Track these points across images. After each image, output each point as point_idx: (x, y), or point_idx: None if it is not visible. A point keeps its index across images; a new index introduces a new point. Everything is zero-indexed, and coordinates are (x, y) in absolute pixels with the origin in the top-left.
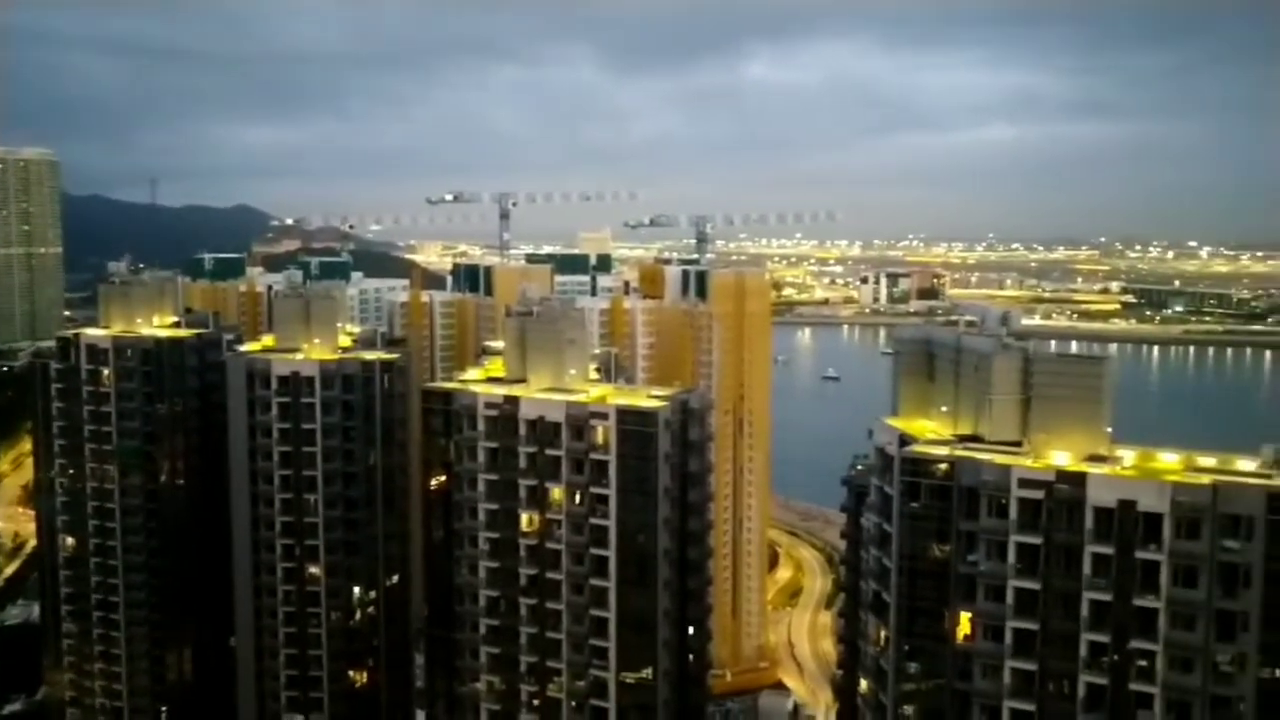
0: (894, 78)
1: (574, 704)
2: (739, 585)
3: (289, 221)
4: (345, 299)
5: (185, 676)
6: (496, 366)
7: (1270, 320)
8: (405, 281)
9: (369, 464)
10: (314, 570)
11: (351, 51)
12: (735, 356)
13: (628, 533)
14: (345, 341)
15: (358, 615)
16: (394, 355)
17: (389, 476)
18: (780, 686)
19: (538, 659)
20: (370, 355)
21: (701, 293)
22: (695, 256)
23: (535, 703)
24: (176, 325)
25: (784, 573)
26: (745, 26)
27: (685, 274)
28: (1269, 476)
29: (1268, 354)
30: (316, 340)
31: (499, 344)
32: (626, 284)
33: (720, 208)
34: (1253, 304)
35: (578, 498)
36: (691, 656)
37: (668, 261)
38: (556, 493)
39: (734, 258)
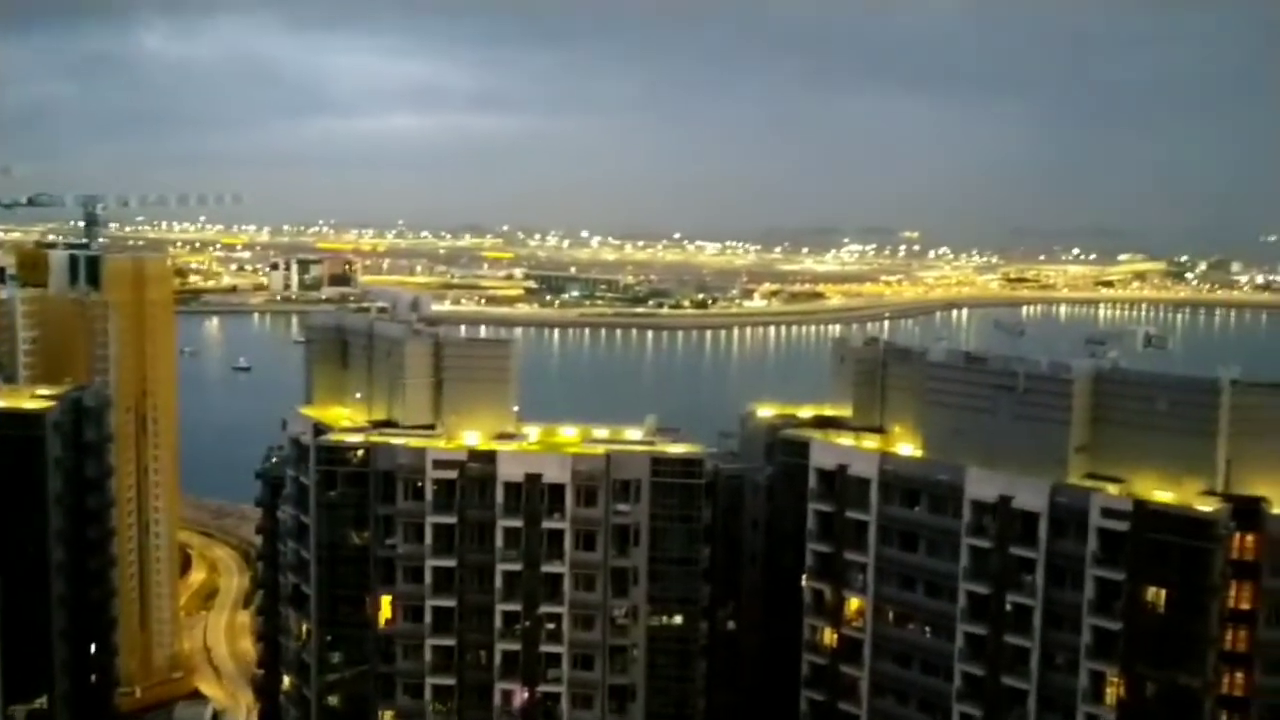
0: (300, 60)
1: None
2: (147, 593)
3: None
4: None
5: None
6: None
7: (650, 303)
8: None
9: None
10: None
11: None
12: (136, 349)
13: (11, 547)
14: None
15: None
16: None
17: None
18: (197, 695)
19: None
20: None
21: (94, 280)
22: (85, 241)
23: None
24: None
25: (197, 575)
26: None
27: (74, 259)
28: (651, 444)
29: (650, 334)
30: None
31: None
32: (2, 270)
33: (114, 187)
34: (636, 289)
35: None
36: (94, 676)
37: (52, 246)
38: None
39: (131, 242)
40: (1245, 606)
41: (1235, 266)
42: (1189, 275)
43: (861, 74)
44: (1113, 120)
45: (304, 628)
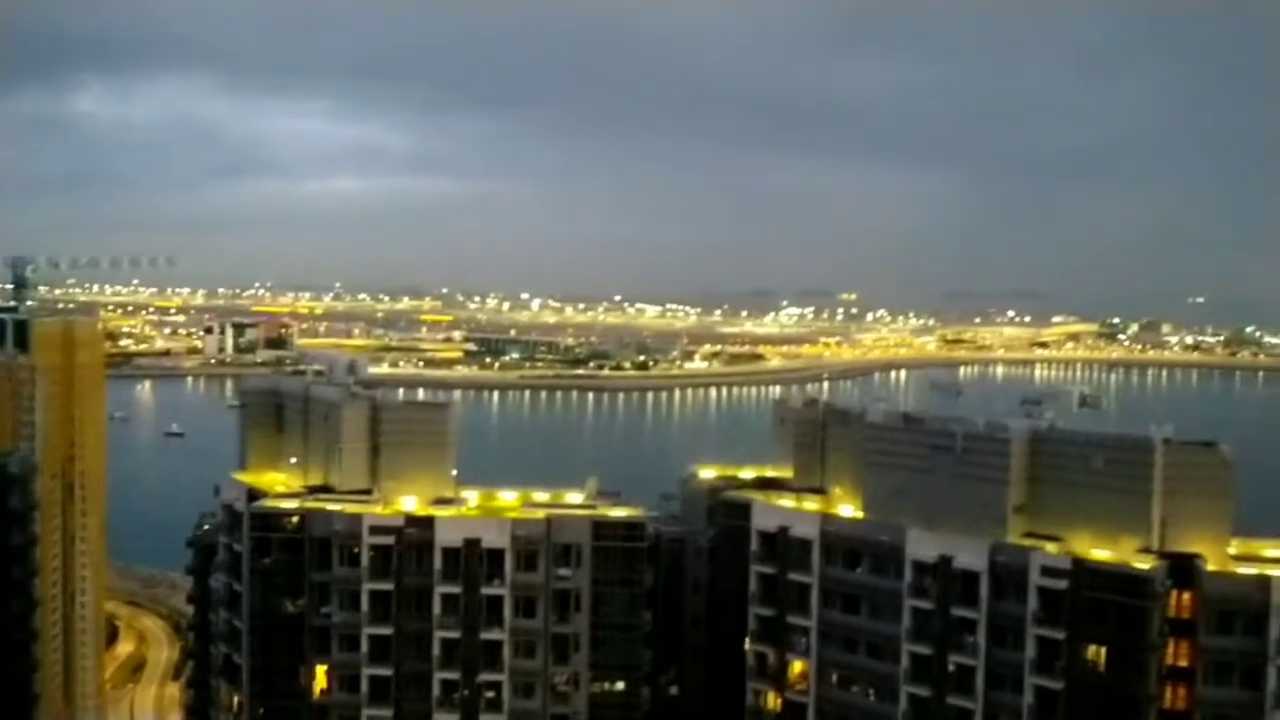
0: (239, 122)
1: None
2: (72, 667)
3: None
4: None
5: None
6: None
7: (591, 365)
8: None
9: None
10: None
11: None
12: (64, 414)
13: None
14: None
15: None
16: None
17: None
18: None
19: None
20: None
21: (22, 344)
22: (13, 303)
23: None
24: None
25: (125, 647)
26: (72, 54)
27: (1, 323)
28: (592, 507)
29: (590, 395)
30: None
31: None
32: None
33: (44, 249)
34: (576, 350)
35: None
36: None
37: None
38: None
39: (61, 305)
40: (1184, 664)
41: (1166, 328)
42: (1121, 336)
43: (796, 141)
44: (1041, 187)
45: (236, 700)
